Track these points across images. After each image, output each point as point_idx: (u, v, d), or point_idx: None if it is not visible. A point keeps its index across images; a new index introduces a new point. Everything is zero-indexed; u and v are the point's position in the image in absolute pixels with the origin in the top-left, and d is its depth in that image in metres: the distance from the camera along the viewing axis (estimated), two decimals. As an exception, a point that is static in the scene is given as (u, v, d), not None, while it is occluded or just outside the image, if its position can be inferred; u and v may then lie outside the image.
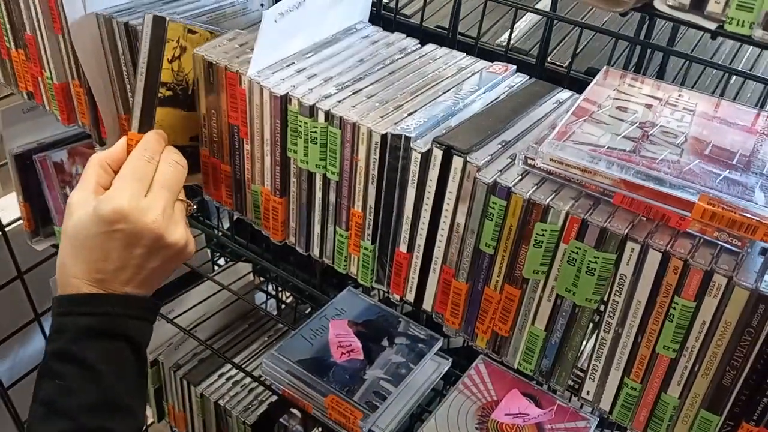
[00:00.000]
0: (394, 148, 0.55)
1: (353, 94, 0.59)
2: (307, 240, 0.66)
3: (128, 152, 0.62)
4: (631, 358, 0.50)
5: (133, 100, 0.63)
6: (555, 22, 0.68)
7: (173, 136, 0.65)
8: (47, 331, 1.24)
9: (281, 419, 1.08)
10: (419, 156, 0.53)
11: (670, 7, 0.37)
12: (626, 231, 0.46)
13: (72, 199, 0.59)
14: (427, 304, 0.60)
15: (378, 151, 0.56)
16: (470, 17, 0.79)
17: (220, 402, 1.04)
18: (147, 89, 0.64)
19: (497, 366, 0.90)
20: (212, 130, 0.66)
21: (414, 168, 0.54)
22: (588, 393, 0.54)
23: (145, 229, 0.57)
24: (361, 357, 0.89)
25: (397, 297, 0.62)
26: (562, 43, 0.75)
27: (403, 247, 0.59)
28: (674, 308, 0.46)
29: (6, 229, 1.07)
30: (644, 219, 0.47)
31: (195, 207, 0.65)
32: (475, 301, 0.57)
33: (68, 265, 0.58)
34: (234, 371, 1.07)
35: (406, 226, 0.58)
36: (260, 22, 0.58)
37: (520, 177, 0.50)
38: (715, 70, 0.74)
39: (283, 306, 1.29)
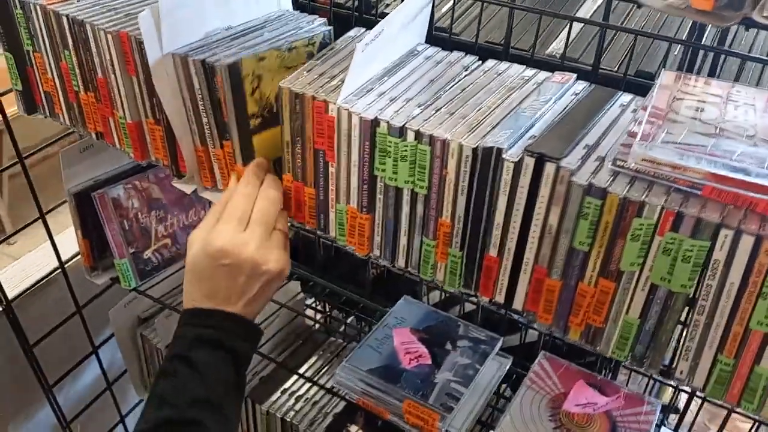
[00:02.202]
0: (485, 160, 0.59)
1: (435, 112, 0.64)
2: (393, 252, 0.70)
3: None
4: (725, 336, 0.55)
5: (230, 137, 0.71)
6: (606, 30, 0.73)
7: (274, 151, 0.73)
8: (103, 362, 1.27)
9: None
10: (511, 165, 0.58)
11: (765, 17, 0.42)
12: (721, 219, 0.51)
13: (191, 236, 0.70)
14: (518, 304, 0.65)
15: (469, 164, 0.60)
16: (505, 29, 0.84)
17: (287, 418, 1.07)
18: (240, 126, 0.71)
19: (559, 360, 0.94)
20: (296, 155, 0.70)
21: (506, 177, 0.59)
22: (681, 372, 0.58)
23: (244, 261, 0.67)
24: (429, 361, 0.93)
25: (486, 300, 0.67)
26: (609, 48, 0.80)
27: (493, 252, 0.63)
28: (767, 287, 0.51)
29: (65, 265, 1.10)
30: (732, 207, 0.52)
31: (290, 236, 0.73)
32: (567, 296, 0.61)
33: (190, 291, 0.70)
34: (296, 387, 1.11)
35: (496, 232, 0.62)
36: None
37: (611, 178, 0.55)
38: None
39: (330, 322, 1.33)
